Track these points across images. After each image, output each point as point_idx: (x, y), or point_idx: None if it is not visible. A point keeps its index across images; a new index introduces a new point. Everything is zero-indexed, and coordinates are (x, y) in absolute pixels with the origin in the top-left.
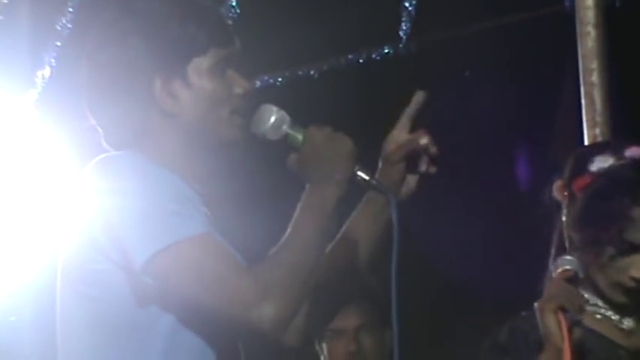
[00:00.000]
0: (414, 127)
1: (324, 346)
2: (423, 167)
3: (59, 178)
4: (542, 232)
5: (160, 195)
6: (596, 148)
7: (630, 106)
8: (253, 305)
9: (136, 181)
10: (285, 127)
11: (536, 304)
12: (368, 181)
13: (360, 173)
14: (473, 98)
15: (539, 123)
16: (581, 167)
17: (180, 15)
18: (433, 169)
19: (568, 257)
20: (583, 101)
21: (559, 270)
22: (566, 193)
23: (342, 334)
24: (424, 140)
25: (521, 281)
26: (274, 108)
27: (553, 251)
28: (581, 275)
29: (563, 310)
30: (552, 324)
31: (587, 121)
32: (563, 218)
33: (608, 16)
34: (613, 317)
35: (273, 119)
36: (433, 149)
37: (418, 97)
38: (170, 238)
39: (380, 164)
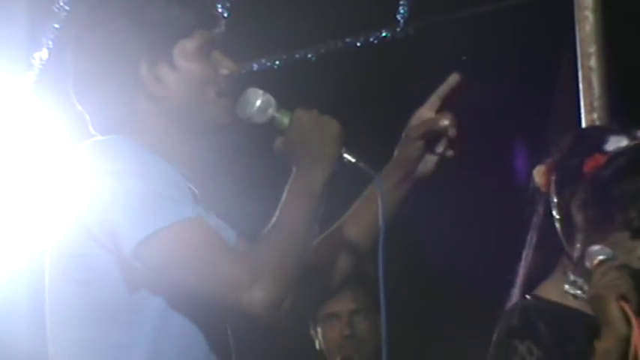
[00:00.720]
0: (442, 108)
1: (319, 330)
2: (439, 149)
3: (57, 161)
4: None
5: (150, 179)
6: (601, 130)
7: (628, 90)
8: (244, 288)
9: (125, 165)
10: (271, 110)
11: (591, 292)
12: (355, 163)
13: (346, 155)
14: (471, 83)
15: (538, 108)
16: (592, 147)
17: (160, 4)
18: (450, 153)
19: (597, 248)
20: (581, 86)
21: (596, 261)
22: (553, 177)
23: (336, 318)
24: (445, 122)
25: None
26: (260, 91)
27: (534, 238)
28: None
29: (625, 299)
30: (615, 312)
31: (585, 105)
32: (555, 200)
33: (606, 0)
34: None
35: (259, 102)
36: (452, 132)
37: (452, 79)
38: (160, 223)
39: (402, 138)
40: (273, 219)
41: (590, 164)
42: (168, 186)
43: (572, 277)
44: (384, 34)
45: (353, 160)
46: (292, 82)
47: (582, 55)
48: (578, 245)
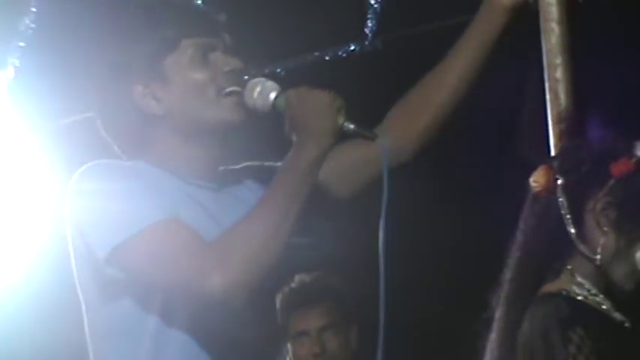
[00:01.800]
0: None
1: (289, 348)
2: None
3: (31, 175)
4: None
5: (122, 193)
6: (614, 135)
7: (595, 101)
8: (205, 277)
9: (104, 184)
10: (272, 95)
11: None
12: (356, 130)
13: (346, 124)
14: None
15: (505, 118)
16: (616, 151)
17: (145, 19)
18: None
19: None
20: (548, 97)
21: None
22: (561, 180)
23: (305, 336)
24: None
25: None
26: (262, 79)
27: (527, 241)
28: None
29: None
30: None
31: (552, 116)
32: (566, 202)
33: (571, 12)
34: (607, 307)
35: (258, 89)
36: None
37: None
38: (130, 231)
39: None
40: (258, 201)
41: (619, 168)
42: (142, 195)
43: (579, 279)
44: (352, 48)
45: (352, 126)
46: None
47: (549, 67)
48: (599, 248)
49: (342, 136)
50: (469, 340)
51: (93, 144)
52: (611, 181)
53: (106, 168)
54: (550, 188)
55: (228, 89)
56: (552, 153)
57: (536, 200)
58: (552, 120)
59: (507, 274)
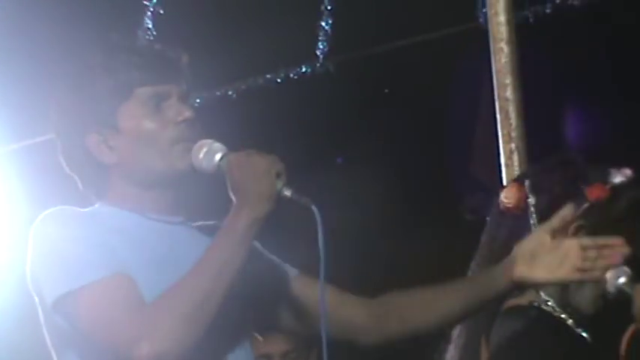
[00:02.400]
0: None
1: None
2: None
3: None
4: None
5: (73, 244)
6: (587, 161)
7: (545, 120)
8: (133, 343)
9: (58, 233)
10: (216, 157)
11: None
12: (292, 197)
13: (284, 190)
14: (394, 114)
15: (460, 137)
16: (592, 176)
17: (100, 66)
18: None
19: (616, 270)
20: (498, 116)
21: (621, 282)
22: (532, 199)
23: (267, 359)
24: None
25: None
26: (209, 140)
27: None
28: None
29: None
30: None
31: (502, 136)
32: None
33: (520, 32)
34: (570, 324)
35: (205, 150)
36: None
37: (566, 211)
38: (71, 285)
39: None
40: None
41: (595, 192)
42: (89, 251)
43: (543, 296)
44: (304, 70)
45: (288, 193)
46: (213, 119)
47: (499, 86)
48: None
49: (280, 202)
50: (429, 355)
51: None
52: (585, 205)
53: (62, 217)
54: (520, 205)
55: (182, 142)
56: (502, 172)
57: (505, 216)
58: (503, 139)
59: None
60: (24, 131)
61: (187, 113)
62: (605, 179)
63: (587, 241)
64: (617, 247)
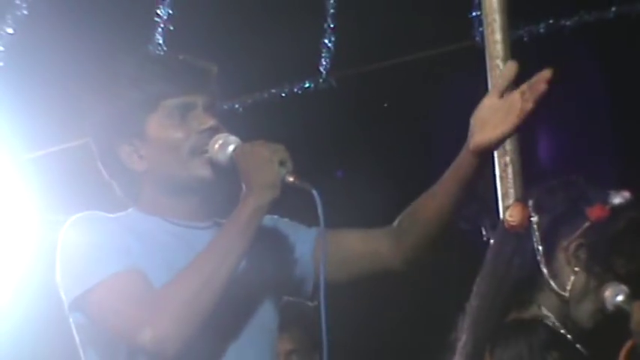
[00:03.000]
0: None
1: None
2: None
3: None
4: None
5: (87, 248)
6: (586, 183)
7: (539, 134)
8: (139, 329)
9: (77, 239)
10: (229, 149)
11: None
12: (293, 183)
13: (286, 177)
14: (393, 129)
15: (457, 151)
16: (592, 197)
17: (123, 85)
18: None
19: (613, 287)
20: None
21: (619, 300)
22: (535, 218)
23: None
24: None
25: None
26: (224, 134)
27: (516, 273)
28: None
29: None
30: None
31: (497, 150)
32: (539, 239)
33: (515, 50)
34: (570, 340)
35: (220, 142)
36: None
37: (509, 68)
38: (87, 284)
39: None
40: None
41: (595, 212)
42: (104, 250)
43: (545, 312)
44: (307, 85)
45: (291, 179)
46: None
47: None
48: (568, 285)
49: (284, 189)
50: None
51: (71, 175)
52: (586, 224)
53: (85, 222)
54: (524, 224)
55: (203, 151)
56: (497, 184)
57: (509, 234)
58: (497, 152)
59: (475, 301)
60: (57, 136)
61: (211, 122)
62: (605, 200)
63: (524, 85)
64: (543, 76)
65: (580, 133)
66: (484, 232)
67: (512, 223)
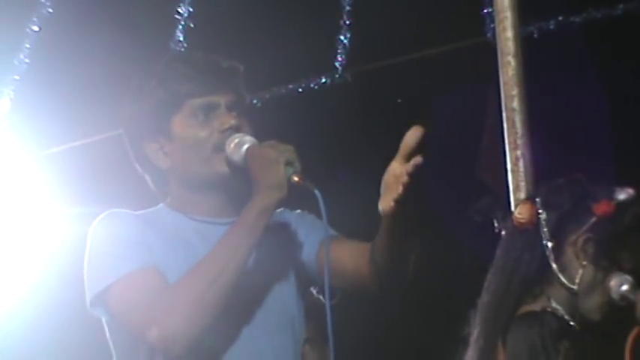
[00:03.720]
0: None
1: None
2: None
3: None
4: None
5: (109, 246)
6: (585, 179)
7: (550, 129)
8: (146, 327)
9: (101, 236)
10: (243, 149)
11: None
12: (298, 183)
13: (292, 178)
14: (406, 125)
15: (466, 145)
16: (598, 193)
17: (151, 85)
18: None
19: (618, 277)
20: (505, 125)
21: (624, 290)
22: (544, 215)
23: None
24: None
25: None
26: (240, 134)
27: (526, 268)
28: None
29: None
30: None
31: (509, 143)
32: (547, 235)
33: (526, 46)
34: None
35: (236, 142)
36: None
37: (412, 134)
38: (106, 281)
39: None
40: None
41: (602, 208)
42: (125, 247)
43: (554, 304)
44: (323, 81)
45: (295, 179)
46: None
47: (506, 97)
48: (577, 279)
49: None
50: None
51: (91, 169)
52: (593, 220)
53: (110, 220)
54: (533, 221)
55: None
56: (509, 177)
57: (519, 231)
58: (509, 146)
59: (486, 297)
60: (78, 132)
61: (232, 122)
62: (610, 196)
63: (406, 165)
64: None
65: (589, 129)
66: (496, 225)
67: (521, 221)
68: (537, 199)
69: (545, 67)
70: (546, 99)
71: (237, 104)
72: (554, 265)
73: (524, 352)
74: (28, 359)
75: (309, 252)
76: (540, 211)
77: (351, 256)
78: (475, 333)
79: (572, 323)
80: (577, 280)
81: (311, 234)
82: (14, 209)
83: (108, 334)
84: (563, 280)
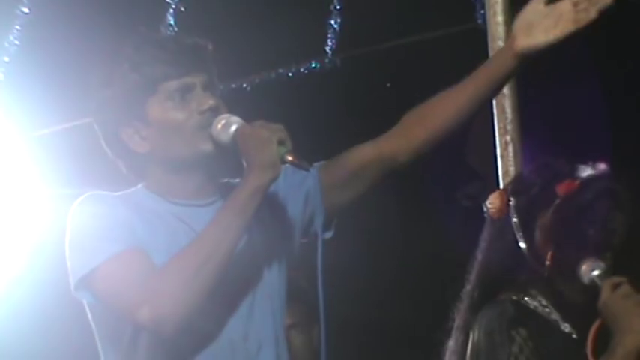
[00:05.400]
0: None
1: None
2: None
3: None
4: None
5: (92, 228)
6: (559, 161)
7: (539, 114)
8: (137, 308)
9: (83, 219)
10: (231, 130)
11: (614, 306)
12: (293, 163)
13: (285, 157)
14: (395, 109)
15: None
16: (561, 174)
17: (123, 68)
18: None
19: (590, 263)
20: (495, 110)
21: (593, 275)
22: (513, 202)
23: None
24: None
25: None
26: (227, 115)
27: (482, 260)
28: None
29: None
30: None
31: (498, 129)
32: (517, 222)
33: None
34: (555, 318)
35: (223, 123)
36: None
37: None
38: (90, 265)
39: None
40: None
41: (564, 188)
42: (109, 230)
43: (532, 291)
44: (313, 65)
45: (289, 159)
46: (229, 110)
47: None
48: (549, 261)
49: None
50: (433, 347)
51: (79, 152)
52: (557, 200)
53: (91, 203)
54: (503, 209)
55: (205, 128)
56: (498, 162)
57: (493, 221)
58: (499, 132)
59: (468, 287)
60: (67, 114)
61: (210, 102)
62: (573, 175)
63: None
64: None
65: (582, 110)
66: (485, 210)
67: (492, 210)
68: (507, 188)
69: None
70: (536, 84)
71: (210, 84)
72: (524, 250)
73: (483, 338)
74: (14, 342)
75: (307, 188)
76: (510, 198)
77: (373, 147)
78: (457, 322)
79: (547, 310)
80: (547, 263)
81: (301, 173)
82: (4, 191)
83: (91, 318)
84: (535, 264)
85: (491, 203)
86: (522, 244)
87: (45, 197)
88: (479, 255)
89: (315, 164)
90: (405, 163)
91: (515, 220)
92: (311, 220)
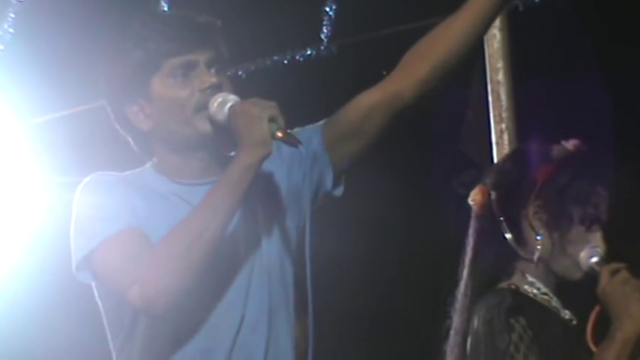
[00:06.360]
0: None
1: None
2: None
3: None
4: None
5: (93, 209)
6: (534, 144)
7: (535, 102)
8: (128, 287)
9: (85, 201)
10: (226, 108)
11: (614, 293)
12: (283, 139)
13: (276, 133)
14: None
15: (450, 119)
16: (536, 159)
17: (128, 45)
18: None
19: (588, 249)
20: (490, 98)
21: (592, 262)
22: (494, 196)
23: None
24: None
25: None
26: (224, 93)
27: (471, 255)
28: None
29: None
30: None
31: (494, 116)
32: (501, 215)
33: (511, 19)
34: (555, 305)
35: (219, 101)
36: None
37: None
38: (89, 246)
39: None
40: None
41: (542, 173)
42: (108, 210)
43: (530, 279)
44: (309, 53)
45: (280, 135)
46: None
47: (491, 70)
48: (539, 248)
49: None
50: (434, 343)
51: (76, 139)
52: (537, 186)
53: (94, 185)
54: (485, 203)
55: (205, 108)
56: (493, 150)
57: (478, 216)
58: (494, 119)
59: (461, 285)
60: (66, 101)
61: (213, 79)
62: (548, 158)
63: None
64: None
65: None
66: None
67: (475, 206)
68: (487, 181)
69: (531, 40)
70: (532, 72)
71: (216, 61)
72: (510, 241)
73: (482, 327)
74: (12, 331)
75: (313, 148)
76: (490, 191)
77: (379, 89)
78: (455, 317)
79: (546, 297)
80: (537, 250)
81: (306, 133)
82: (1, 180)
83: (97, 298)
84: (524, 254)
85: (473, 199)
86: (508, 236)
87: (42, 185)
88: (469, 251)
89: (319, 122)
90: (411, 101)
91: (498, 212)
92: (320, 182)
